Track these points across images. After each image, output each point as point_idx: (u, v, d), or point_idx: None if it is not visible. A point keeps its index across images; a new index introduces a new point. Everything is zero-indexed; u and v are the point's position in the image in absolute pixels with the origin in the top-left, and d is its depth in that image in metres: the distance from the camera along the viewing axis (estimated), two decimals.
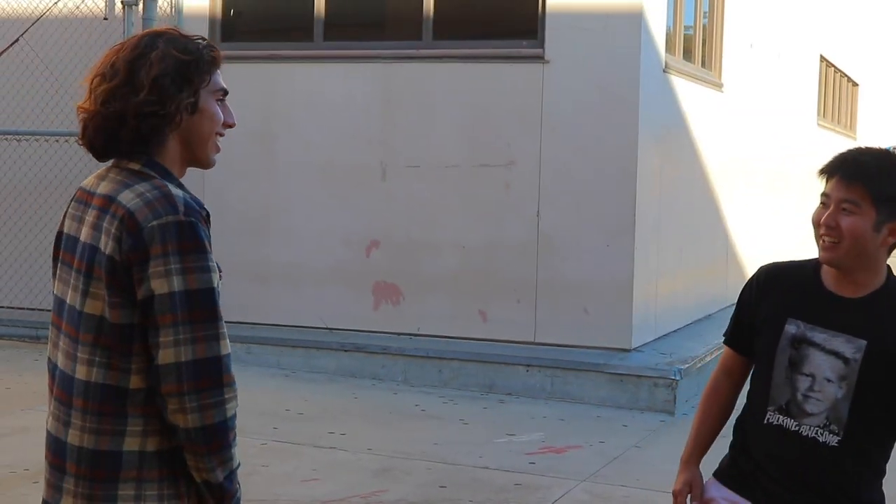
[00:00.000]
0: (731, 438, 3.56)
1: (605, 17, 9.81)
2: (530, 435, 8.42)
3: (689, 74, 11.39)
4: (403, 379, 9.88)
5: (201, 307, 2.58)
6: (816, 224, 3.20)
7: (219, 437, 2.62)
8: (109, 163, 2.79)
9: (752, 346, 3.42)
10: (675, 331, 10.98)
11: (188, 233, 2.59)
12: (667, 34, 10.72)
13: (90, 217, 2.69)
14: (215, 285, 2.62)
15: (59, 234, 2.83)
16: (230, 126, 2.84)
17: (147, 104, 2.65)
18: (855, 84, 24.71)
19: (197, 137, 2.76)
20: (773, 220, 15.99)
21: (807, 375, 3.22)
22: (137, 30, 10.45)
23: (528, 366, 9.62)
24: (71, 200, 2.84)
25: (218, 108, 2.80)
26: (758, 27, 14.53)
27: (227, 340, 2.64)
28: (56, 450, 2.71)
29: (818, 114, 19.66)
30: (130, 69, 2.68)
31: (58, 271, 2.80)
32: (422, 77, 10.29)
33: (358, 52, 10.50)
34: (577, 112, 9.91)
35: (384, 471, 7.34)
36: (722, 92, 12.70)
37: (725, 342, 3.56)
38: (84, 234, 2.69)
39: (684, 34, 11.79)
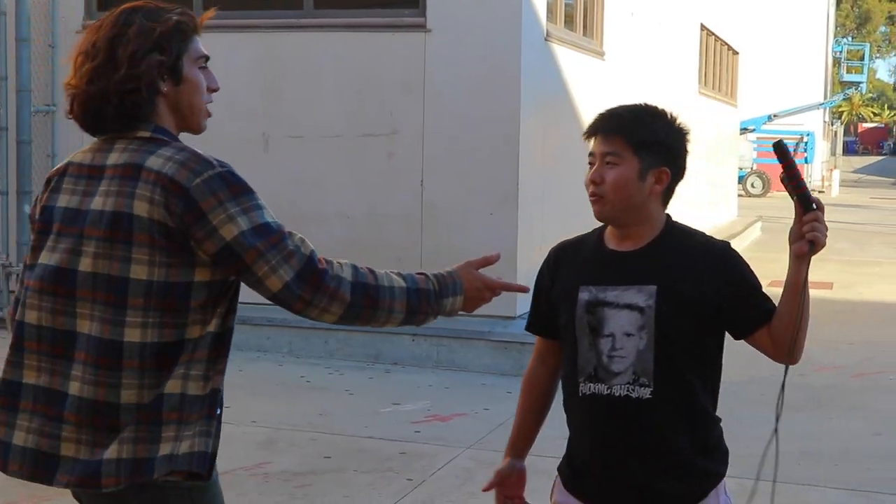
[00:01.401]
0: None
1: None
2: (416, 404, 8.44)
3: (570, 43, 11.46)
4: (289, 350, 9.84)
5: (272, 233, 2.68)
6: (586, 184, 3.20)
7: (370, 294, 2.78)
8: (100, 138, 2.84)
9: (555, 328, 3.35)
10: None
11: (231, 179, 2.69)
12: (548, 3, 10.76)
13: (108, 187, 2.73)
14: (269, 220, 2.71)
15: (46, 207, 2.85)
16: (214, 90, 2.89)
17: (127, 80, 2.72)
18: (735, 52, 25.05)
19: (186, 106, 2.83)
20: None
21: (607, 336, 3.16)
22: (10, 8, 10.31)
23: (414, 335, 9.63)
24: (55, 176, 2.87)
25: (200, 75, 2.85)
26: None
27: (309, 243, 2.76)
28: (50, 402, 2.74)
29: (699, 81, 19.91)
30: (110, 47, 2.74)
31: (48, 242, 2.80)
32: (304, 47, 10.21)
33: (239, 22, 10.37)
34: (459, 81, 9.91)
35: (269, 443, 7.31)
36: (604, 60, 12.80)
37: (529, 330, 3.49)
38: (104, 203, 2.71)
39: (566, 3, 11.84)
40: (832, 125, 56.51)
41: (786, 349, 3.09)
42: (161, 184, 2.66)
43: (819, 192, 36.73)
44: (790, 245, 2.98)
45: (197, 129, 2.88)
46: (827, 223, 3.01)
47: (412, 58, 9.96)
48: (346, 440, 7.46)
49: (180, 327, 2.71)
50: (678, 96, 17.68)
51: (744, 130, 31.24)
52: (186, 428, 2.74)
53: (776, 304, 3.13)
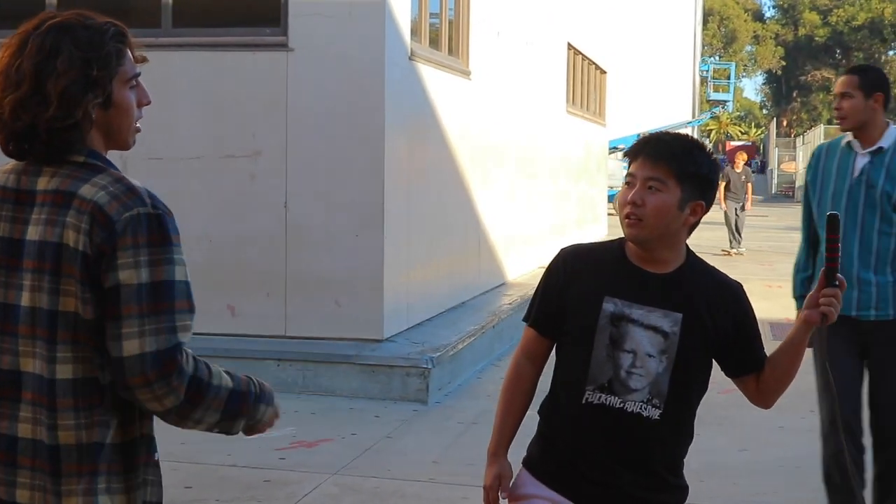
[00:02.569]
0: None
1: (348, 5, 9.72)
2: (281, 430, 8.25)
3: (435, 62, 11.40)
4: None
5: (165, 298, 2.57)
6: (622, 204, 3.24)
7: (197, 396, 2.62)
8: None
9: (557, 328, 3.40)
10: (428, 319, 10.99)
11: (156, 225, 2.58)
12: (412, 22, 10.70)
13: (41, 215, 2.60)
14: (177, 277, 2.60)
15: None
16: (145, 104, 2.77)
17: (57, 119, 2.58)
18: (603, 71, 25.33)
19: (115, 130, 2.70)
20: (525, 205, 16.20)
21: (628, 352, 3.24)
22: None
23: (280, 360, 9.47)
24: None
25: (131, 96, 2.71)
26: (505, 15, 14.69)
27: (188, 332, 2.64)
28: (2, 446, 2.63)
29: (567, 100, 20.04)
30: (37, 77, 2.58)
31: None
32: (162, 66, 9.97)
33: None
34: (322, 101, 9.79)
35: None
36: (470, 79, 12.77)
37: (530, 324, 3.50)
38: (35, 233, 2.60)
39: (430, 22, 11.80)
40: (707, 146, 57.32)
41: (768, 399, 3.39)
42: (89, 211, 2.55)
43: None
44: (804, 309, 3.16)
45: (125, 147, 2.75)
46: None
47: (274, 77, 9.81)
48: (208, 469, 7.27)
49: (101, 367, 2.59)
50: (546, 115, 17.77)
51: (613, 149, 31.58)
52: (114, 479, 2.64)
53: (767, 354, 3.34)
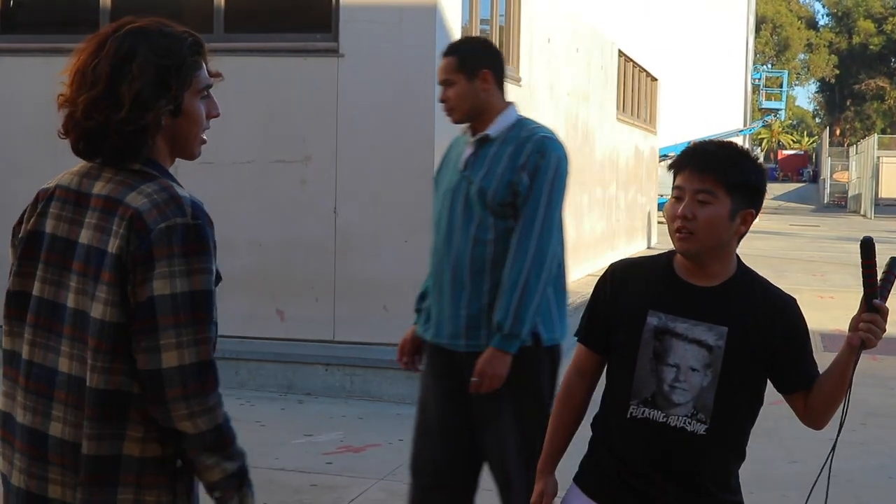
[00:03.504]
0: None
1: (399, 11, 9.72)
2: (328, 435, 8.29)
3: None
4: None
5: (203, 309, 2.58)
6: (672, 217, 3.21)
7: (227, 434, 2.66)
8: (89, 160, 2.75)
9: (606, 343, 3.39)
10: None
11: (194, 235, 2.58)
12: (463, 28, 10.70)
13: (92, 219, 2.65)
14: (212, 287, 2.62)
15: (35, 232, 2.74)
16: (215, 117, 2.81)
17: (128, 122, 2.61)
18: (654, 79, 25.23)
19: (181, 138, 2.73)
20: (574, 214, 16.16)
21: (672, 366, 3.22)
22: None
23: (328, 365, 9.49)
24: (44, 198, 2.78)
25: (201, 106, 2.74)
26: (555, 22, 14.67)
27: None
28: (35, 442, 2.66)
29: (618, 108, 19.98)
30: (112, 79, 2.62)
31: (37, 271, 2.71)
32: (213, 69, 10.04)
33: None
34: (373, 107, 9.81)
35: None
36: (520, 86, 12.75)
37: (580, 340, 3.50)
38: (86, 237, 2.64)
39: (481, 28, 11.79)
40: (752, 152, 57.06)
41: (816, 420, 3.31)
42: (129, 217, 2.58)
43: None
44: (849, 331, 3.12)
45: (191, 157, 2.79)
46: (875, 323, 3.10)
47: (325, 83, 9.84)
48: (256, 472, 7.16)
49: (126, 375, 2.59)
50: (597, 123, 17.72)
51: (664, 157, 31.47)
52: (147, 493, 2.64)
53: (820, 373, 3.27)
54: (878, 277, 3.09)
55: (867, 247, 3.08)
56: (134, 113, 2.60)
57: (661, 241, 23.53)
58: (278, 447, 7.90)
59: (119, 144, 2.63)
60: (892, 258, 3.12)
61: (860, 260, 3.10)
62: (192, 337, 2.54)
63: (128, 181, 2.64)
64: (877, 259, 3.11)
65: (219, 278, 2.69)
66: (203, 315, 2.57)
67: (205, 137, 2.79)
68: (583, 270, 16.22)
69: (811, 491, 3.27)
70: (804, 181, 79.67)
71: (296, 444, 8.04)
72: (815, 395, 3.27)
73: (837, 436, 3.22)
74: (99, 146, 2.66)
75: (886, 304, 3.10)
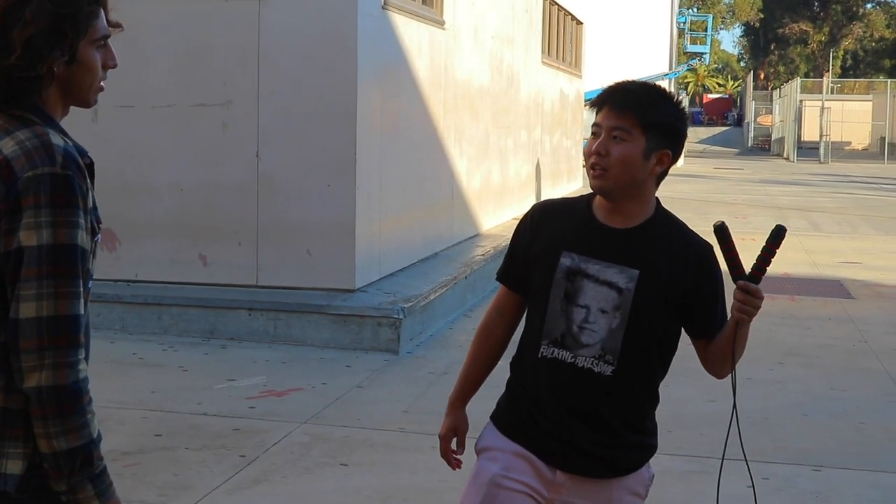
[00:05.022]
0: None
1: None
2: (251, 379, 8.29)
3: (409, 12, 11.33)
4: (121, 327, 9.58)
5: (66, 263, 2.47)
6: (587, 154, 3.22)
7: (71, 398, 2.47)
8: None
9: (526, 283, 3.39)
10: (400, 270, 10.98)
11: (62, 186, 2.48)
12: None
13: None
14: (79, 242, 2.49)
15: None
16: (112, 67, 2.70)
17: (18, 69, 2.50)
18: (580, 23, 25.23)
19: (76, 87, 2.63)
20: (500, 156, 16.18)
21: (581, 307, 3.22)
22: None
23: (251, 309, 9.46)
24: None
25: (97, 55, 2.64)
26: None
27: (82, 301, 2.51)
28: None
29: (543, 51, 19.96)
30: (2, 24, 2.50)
31: None
32: (133, 12, 9.86)
33: None
34: (295, 50, 9.73)
35: (98, 422, 7.08)
36: (444, 29, 12.70)
37: (498, 278, 3.51)
38: None
39: None
40: (678, 96, 57.31)
41: (712, 368, 3.36)
42: None
43: None
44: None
45: (85, 105, 2.69)
46: (731, 253, 3.20)
47: (246, 26, 9.74)
48: (178, 417, 7.28)
49: None
50: (521, 66, 17.70)
51: (589, 101, 31.53)
52: (10, 446, 2.53)
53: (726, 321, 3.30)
54: (761, 249, 3.17)
55: (722, 232, 3.15)
56: (25, 60, 2.51)
57: (585, 185, 23.53)
58: (201, 392, 7.88)
59: (7, 89, 2.54)
60: (775, 227, 3.17)
61: (767, 242, 3.15)
62: (52, 290, 2.45)
63: (6, 125, 2.55)
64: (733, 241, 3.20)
65: (95, 231, 2.61)
66: (65, 269, 2.47)
67: (102, 86, 2.70)
68: (507, 214, 16.26)
69: (727, 433, 3.28)
70: (729, 125, 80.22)
71: (218, 388, 8.02)
72: (713, 347, 3.32)
73: (734, 395, 3.25)
74: None
75: (760, 277, 3.17)
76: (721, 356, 3.29)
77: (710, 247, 3.34)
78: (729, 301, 3.27)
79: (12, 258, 2.47)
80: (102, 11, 2.66)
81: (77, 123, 9.81)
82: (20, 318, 2.45)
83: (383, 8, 10.40)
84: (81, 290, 2.51)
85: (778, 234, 3.14)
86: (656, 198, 3.33)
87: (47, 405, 2.46)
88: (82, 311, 2.52)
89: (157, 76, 9.91)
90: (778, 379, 8.72)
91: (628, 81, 3.33)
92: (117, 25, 2.71)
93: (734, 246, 3.15)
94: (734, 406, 3.27)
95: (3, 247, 2.48)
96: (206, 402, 7.61)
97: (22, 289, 2.45)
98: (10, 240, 2.46)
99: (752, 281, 3.15)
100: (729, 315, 3.27)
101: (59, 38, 2.54)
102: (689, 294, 3.26)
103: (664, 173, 3.28)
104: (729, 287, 3.25)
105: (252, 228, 9.82)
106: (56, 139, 2.53)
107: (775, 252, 3.14)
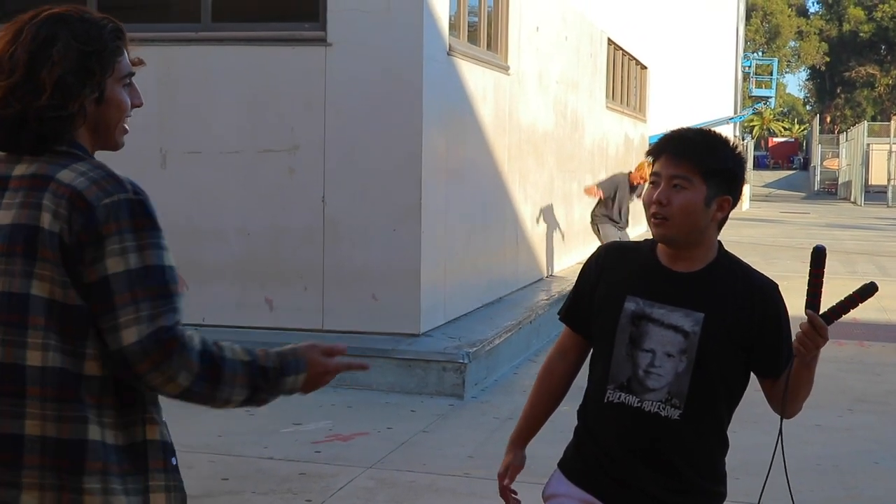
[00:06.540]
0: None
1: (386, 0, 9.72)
2: (317, 423, 8.30)
3: (474, 57, 11.39)
4: None
5: (158, 282, 2.47)
6: (648, 203, 3.23)
7: (215, 367, 2.52)
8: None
9: (589, 325, 3.40)
10: (465, 314, 10.98)
11: (141, 210, 2.49)
12: (451, 17, 10.70)
13: (14, 199, 2.50)
14: (166, 262, 2.50)
15: None
16: (137, 106, 2.72)
17: (50, 109, 2.51)
18: (644, 67, 25.22)
19: (104, 126, 2.64)
20: (564, 202, 16.16)
21: (647, 351, 3.22)
22: None
23: None
24: None
25: (124, 94, 2.66)
26: (544, 10, 14.65)
27: (182, 314, 2.53)
28: (2, 445, 2.48)
29: (607, 96, 19.97)
30: (31, 66, 2.51)
31: None
32: (201, 61, 10.04)
33: (135, 35, 10.09)
34: (361, 95, 9.81)
35: None
36: (508, 75, 12.74)
37: (562, 318, 3.52)
38: (5, 217, 2.49)
39: (469, 17, 11.78)
40: (743, 140, 57.12)
41: (779, 407, 3.30)
42: (67, 196, 2.46)
43: None
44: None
45: (114, 147, 2.69)
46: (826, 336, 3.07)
47: (313, 72, 9.83)
48: (244, 461, 7.30)
49: (79, 357, 2.47)
50: (586, 110, 17.71)
51: None
52: (112, 481, 2.49)
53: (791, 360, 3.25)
54: (845, 296, 3.06)
55: (818, 256, 3.06)
56: (56, 99, 2.51)
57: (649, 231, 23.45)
58: (267, 436, 7.90)
59: (40, 131, 2.53)
60: (869, 283, 3.08)
61: (809, 268, 3.07)
62: (148, 312, 2.45)
63: (55, 160, 2.54)
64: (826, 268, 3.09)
65: None
66: (158, 289, 2.46)
67: (127, 127, 2.71)
68: (572, 258, 16.23)
69: (766, 477, 3.28)
70: (795, 168, 79.73)
71: (285, 432, 8.04)
72: (778, 385, 3.28)
73: (780, 437, 3.26)
74: (18, 135, 2.53)
75: (834, 319, 3.07)
76: (787, 391, 3.26)
77: (775, 285, 3.33)
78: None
79: (99, 289, 2.45)
80: (125, 49, 2.67)
81: (146, 169, 10.05)
82: (124, 347, 2.44)
83: (448, 54, 10.46)
84: (180, 305, 2.51)
85: (867, 290, 3.06)
86: (718, 241, 3.33)
87: (200, 394, 2.51)
88: (181, 320, 2.51)
89: (225, 122, 10.02)
90: (847, 426, 8.59)
91: (686, 129, 3.34)
92: (139, 62, 2.73)
93: (823, 275, 3.07)
94: (777, 446, 3.27)
95: (87, 278, 2.46)
96: (272, 447, 7.62)
97: (120, 317, 2.44)
98: (93, 271, 2.45)
99: (822, 318, 3.08)
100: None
101: (87, 75, 2.55)
102: (755, 333, 3.24)
103: (725, 218, 3.28)
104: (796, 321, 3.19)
105: (318, 272, 9.86)
106: (115, 170, 2.55)
107: (858, 304, 3.07)
